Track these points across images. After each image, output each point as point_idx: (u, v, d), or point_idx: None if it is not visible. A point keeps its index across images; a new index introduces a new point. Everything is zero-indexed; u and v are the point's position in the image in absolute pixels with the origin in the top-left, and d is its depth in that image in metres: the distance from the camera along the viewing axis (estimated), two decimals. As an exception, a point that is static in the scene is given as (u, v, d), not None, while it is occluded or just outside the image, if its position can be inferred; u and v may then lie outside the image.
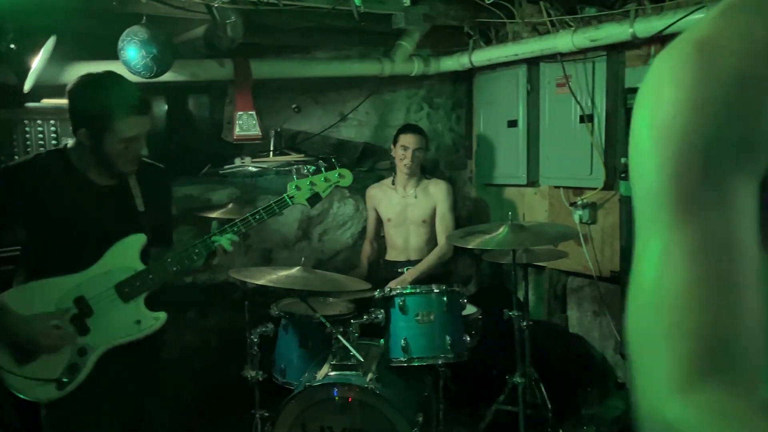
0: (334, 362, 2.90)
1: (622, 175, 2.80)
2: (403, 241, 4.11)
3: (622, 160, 2.79)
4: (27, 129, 2.97)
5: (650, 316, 0.63)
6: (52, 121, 3.03)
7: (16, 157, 2.94)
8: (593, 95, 3.62)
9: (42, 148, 3.03)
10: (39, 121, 3.02)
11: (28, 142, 2.96)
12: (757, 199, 0.63)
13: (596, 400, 3.78)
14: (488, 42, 4.12)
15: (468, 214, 4.76)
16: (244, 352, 3.48)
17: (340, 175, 2.51)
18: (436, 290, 2.91)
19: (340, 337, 2.86)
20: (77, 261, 2.16)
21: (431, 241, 4.07)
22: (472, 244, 3.04)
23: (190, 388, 3.96)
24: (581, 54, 3.57)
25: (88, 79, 2.14)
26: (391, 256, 4.15)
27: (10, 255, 2.46)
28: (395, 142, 4.03)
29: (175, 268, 2.22)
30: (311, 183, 2.45)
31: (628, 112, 2.77)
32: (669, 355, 0.60)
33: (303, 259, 3.26)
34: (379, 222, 4.20)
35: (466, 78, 4.57)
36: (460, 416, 3.61)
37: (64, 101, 2.17)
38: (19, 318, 2.07)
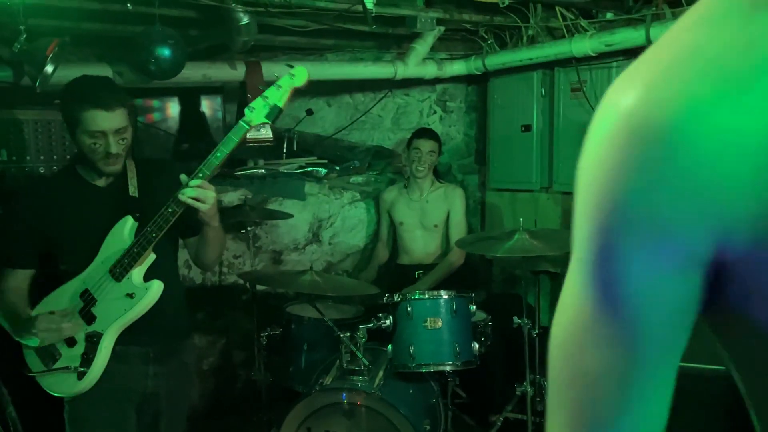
0: (341, 367, 2.89)
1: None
2: (415, 245, 4.09)
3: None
4: (39, 129, 2.99)
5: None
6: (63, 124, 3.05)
7: (28, 157, 2.96)
8: (608, 101, 3.57)
9: (53, 149, 3.05)
10: (51, 122, 3.04)
11: (39, 143, 2.98)
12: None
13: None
14: (503, 46, 4.09)
15: (481, 218, 4.73)
16: (253, 355, 3.48)
17: (291, 75, 2.22)
18: (444, 296, 2.88)
19: (347, 341, 2.84)
20: (84, 262, 2.24)
21: (443, 246, 4.05)
22: (482, 250, 3.00)
23: (198, 388, 3.96)
24: (597, 59, 3.52)
25: (74, 78, 2.26)
26: (404, 260, 4.14)
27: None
28: (409, 145, 4.04)
29: (154, 234, 2.17)
30: (264, 97, 2.22)
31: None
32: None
33: (311, 264, 3.25)
34: (393, 226, 4.20)
35: (480, 81, 4.54)
36: (468, 423, 3.58)
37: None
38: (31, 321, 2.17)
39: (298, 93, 4.45)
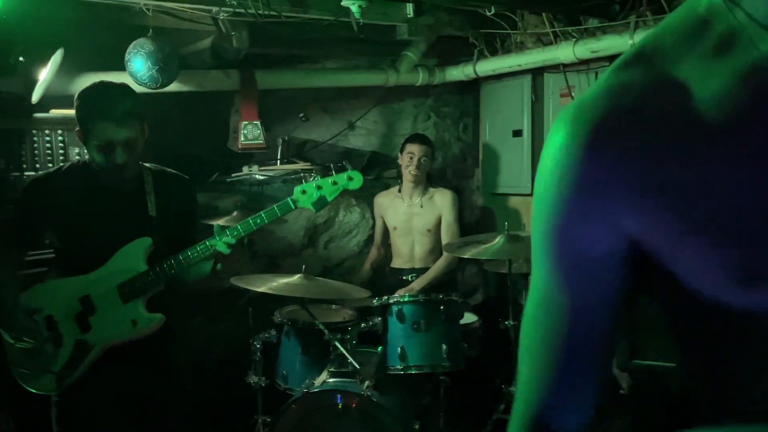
0: (332, 369, 2.94)
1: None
2: (409, 249, 4.14)
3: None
4: (35, 139, 3.04)
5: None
6: (59, 132, 3.11)
7: (25, 166, 3.02)
8: (596, 106, 3.63)
9: (50, 158, 3.11)
10: (47, 132, 3.09)
11: (36, 152, 3.04)
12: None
13: (598, 410, 3.76)
14: (494, 52, 4.15)
15: (475, 222, 4.78)
16: (248, 358, 3.53)
17: (349, 177, 2.35)
18: (433, 299, 2.93)
19: (337, 344, 2.89)
20: (90, 262, 2.26)
21: (436, 250, 4.10)
22: (469, 254, 3.06)
23: (195, 392, 4.01)
24: (585, 65, 3.58)
25: (91, 84, 2.26)
26: (397, 264, 4.19)
27: (43, 258, 2.60)
28: (402, 150, 4.09)
29: (173, 271, 2.24)
30: (318, 186, 2.34)
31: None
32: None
33: (304, 267, 3.30)
34: (386, 230, 4.25)
35: (473, 87, 4.60)
36: (460, 425, 3.62)
37: (71, 111, 2.27)
38: (22, 313, 2.20)
39: (293, 99, 4.55)
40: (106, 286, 2.23)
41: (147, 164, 2.39)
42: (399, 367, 2.89)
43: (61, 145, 3.11)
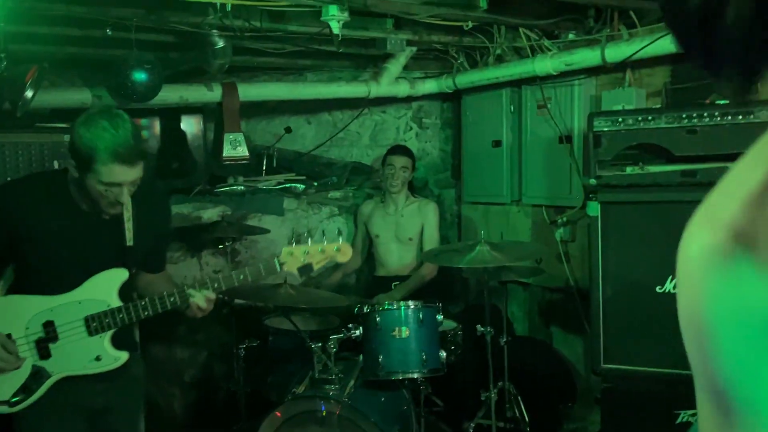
0: (314, 376, 2.99)
1: (591, 195, 2.89)
2: (391, 257, 4.23)
3: (591, 180, 2.88)
4: (19, 152, 3.06)
5: None
6: (43, 147, 3.13)
7: (9, 179, 3.04)
8: (572, 117, 3.72)
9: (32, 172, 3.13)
10: (30, 147, 3.10)
11: (20, 167, 3.04)
12: None
13: (577, 416, 3.84)
14: (474, 65, 4.24)
15: (458, 231, 4.85)
16: (232, 367, 3.59)
17: (338, 249, 2.34)
18: (410, 306, 2.99)
19: (318, 352, 2.95)
20: (56, 285, 2.14)
21: (418, 258, 4.18)
22: (446, 262, 3.12)
23: (179, 400, 4.05)
24: (560, 77, 3.67)
25: (90, 114, 2.07)
26: (380, 272, 4.28)
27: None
28: (383, 162, 4.21)
29: (146, 313, 2.17)
30: (306, 252, 2.32)
31: (594, 135, 2.86)
32: None
33: (287, 277, 3.36)
34: (369, 238, 4.33)
35: (454, 98, 4.68)
36: (442, 430, 3.68)
37: (56, 125, 2.29)
38: None
39: (277, 110, 4.61)
40: (72, 315, 2.13)
41: None
42: (378, 373, 2.95)
43: (44, 160, 3.10)
